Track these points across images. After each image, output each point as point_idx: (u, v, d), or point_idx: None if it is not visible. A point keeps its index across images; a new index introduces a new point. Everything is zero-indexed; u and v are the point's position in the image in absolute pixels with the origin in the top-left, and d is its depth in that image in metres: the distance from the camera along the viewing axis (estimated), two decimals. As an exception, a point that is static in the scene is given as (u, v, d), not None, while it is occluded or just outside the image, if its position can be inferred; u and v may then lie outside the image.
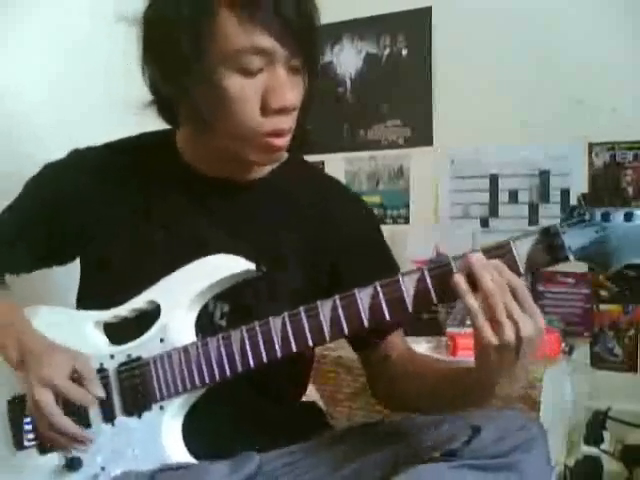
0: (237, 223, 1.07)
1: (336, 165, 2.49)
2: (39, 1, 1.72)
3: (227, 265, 0.98)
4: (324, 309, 0.91)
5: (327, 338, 0.92)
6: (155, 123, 1.10)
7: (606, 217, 0.84)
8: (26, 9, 1.65)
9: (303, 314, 0.92)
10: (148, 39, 0.99)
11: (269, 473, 0.97)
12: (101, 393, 0.98)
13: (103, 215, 1.08)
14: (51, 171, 1.13)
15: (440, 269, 0.87)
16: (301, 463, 0.99)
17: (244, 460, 0.94)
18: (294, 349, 0.93)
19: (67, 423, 0.96)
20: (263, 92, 0.95)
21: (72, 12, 1.77)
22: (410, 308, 0.88)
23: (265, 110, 0.96)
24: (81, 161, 1.13)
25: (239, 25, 0.91)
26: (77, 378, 0.97)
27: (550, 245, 0.85)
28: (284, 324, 0.92)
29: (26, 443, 1.04)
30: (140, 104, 1.04)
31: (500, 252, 0.86)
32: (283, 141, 1.00)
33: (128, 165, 1.11)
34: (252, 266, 0.98)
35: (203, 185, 1.07)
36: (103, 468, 0.98)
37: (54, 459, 1.01)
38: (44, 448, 1.02)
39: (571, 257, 0.85)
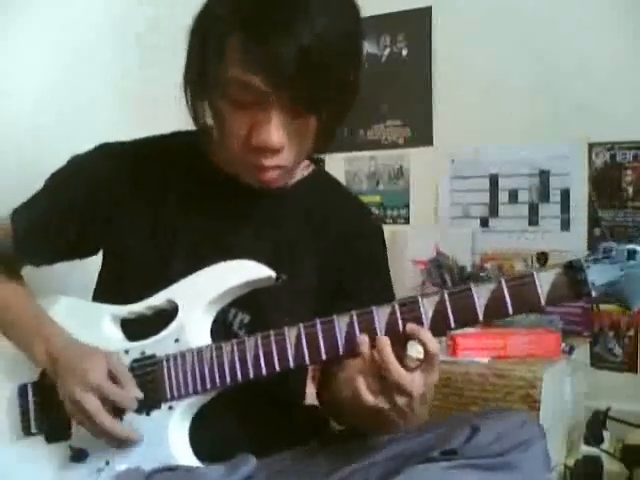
0: (260, 227, 1.07)
1: (336, 165, 2.49)
2: (40, 1, 1.72)
3: (247, 271, 0.98)
4: (340, 323, 0.90)
5: (341, 352, 0.91)
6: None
7: (632, 255, 0.83)
8: (26, 8, 1.65)
9: (319, 327, 0.91)
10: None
11: (265, 476, 0.97)
12: (140, 394, 0.97)
13: (129, 210, 1.08)
14: (78, 164, 1.13)
15: (461, 294, 0.87)
16: (299, 466, 0.99)
17: (240, 462, 0.94)
18: (307, 361, 0.92)
19: (118, 427, 0.96)
20: (250, 126, 0.93)
21: (72, 12, 1.77)
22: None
23: (247, 144, 0.94)
24: (109, 155, 1.12)
25: (241, 56, 0.89)
26: (113, 379, 0.97)
27: (573, 279, 0.84)
28: (299, 336, 0.92)
29: (33, 430, 1.04)
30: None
31: (522, 282, 0.86)
32: (271, 176, 0.99)
33: (156, 162, 1.10)
34: (272, 274, 0.97)
35: (229, 187, 1.06)
36: (107, 463, 0.98)
37: (60, 449, 1.01)
38: (51, 437, 1.02)
39: (593, 293, 0.84)
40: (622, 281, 0.83)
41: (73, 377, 0.96)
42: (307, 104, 0.92)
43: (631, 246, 0.84)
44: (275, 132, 0.92)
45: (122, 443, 0.97)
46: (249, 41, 0.87)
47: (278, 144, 0.93)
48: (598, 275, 0.84)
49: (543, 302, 0.85)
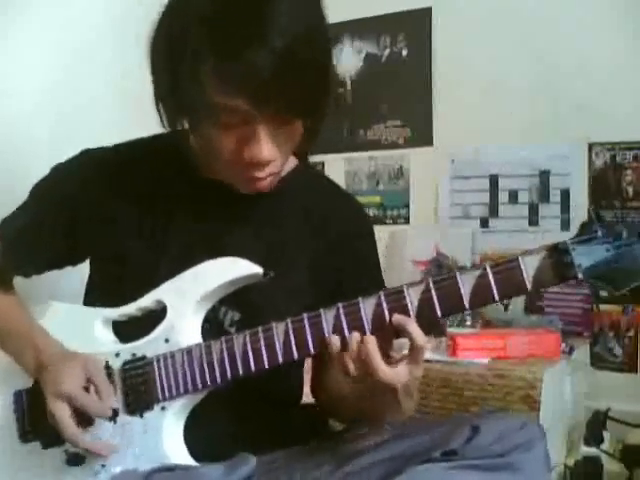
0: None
1: (336, 165, 2.49)
2: (40, 1, 1.72)
3: (235, 268, 0.98)
4: (327, 316, 0.90)
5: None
6: (158, 123, 1.09)
7: (618, 236, 0.82)
8: (26, 8, 1.65)
9: (306, 321, 0.91)
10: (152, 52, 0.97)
11: (265, 475, 0.97)
12: (115, 404, 0.97)
13: (118, 215, 1.08)
14: (63, 170, 1.12)
15: (446, 281, 0.87)
16: (299, 465, 0.99)
17: (239, 462, 0.93)
18: (295, 356, 0.92)
19: (79, 437, 0.96)
20: (239, 143, 0.93)
21: (72, 12, 1.77)
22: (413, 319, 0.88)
23: (239, 160, 0.94)
24: (94, 159, 1.11)
25: (218, 81, 0.87)
26: (91, 387, 0.97)
27: (559, 262, 0.83)
28: (287, 331, 0.92)
29: (29, 436, 1.04)
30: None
31: (507, 267, 0.85)
32: (263, 184, 0.99)
33: (144, 165, 1.10)
34: (259, 270, 0.97)
35: (216, 189, 1.06)
36: (103, 465, 0.98)
37: (57, 453, 1.01)
38: (46, 442, 1.02)
39: (580, 276, 0.82)
40: (609, 262, 0.82)
41: (50, 385, 0.97)
42: (292, 110, 0.91)
43: (617, 227, 0.83)
44: (265, 146, 0.92)
45: (91, 454, 0.97)
46: (223, 62, 0.87)
47: (270, 157, 0.94)
48: (585, 257, 0.82)
49: (529, 286, 0.84)
